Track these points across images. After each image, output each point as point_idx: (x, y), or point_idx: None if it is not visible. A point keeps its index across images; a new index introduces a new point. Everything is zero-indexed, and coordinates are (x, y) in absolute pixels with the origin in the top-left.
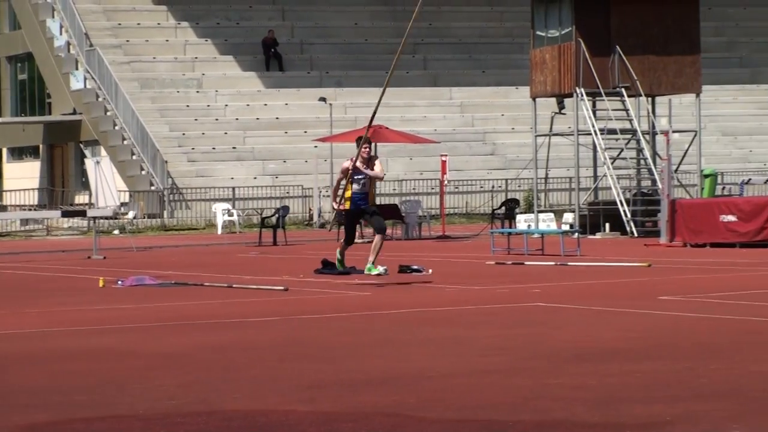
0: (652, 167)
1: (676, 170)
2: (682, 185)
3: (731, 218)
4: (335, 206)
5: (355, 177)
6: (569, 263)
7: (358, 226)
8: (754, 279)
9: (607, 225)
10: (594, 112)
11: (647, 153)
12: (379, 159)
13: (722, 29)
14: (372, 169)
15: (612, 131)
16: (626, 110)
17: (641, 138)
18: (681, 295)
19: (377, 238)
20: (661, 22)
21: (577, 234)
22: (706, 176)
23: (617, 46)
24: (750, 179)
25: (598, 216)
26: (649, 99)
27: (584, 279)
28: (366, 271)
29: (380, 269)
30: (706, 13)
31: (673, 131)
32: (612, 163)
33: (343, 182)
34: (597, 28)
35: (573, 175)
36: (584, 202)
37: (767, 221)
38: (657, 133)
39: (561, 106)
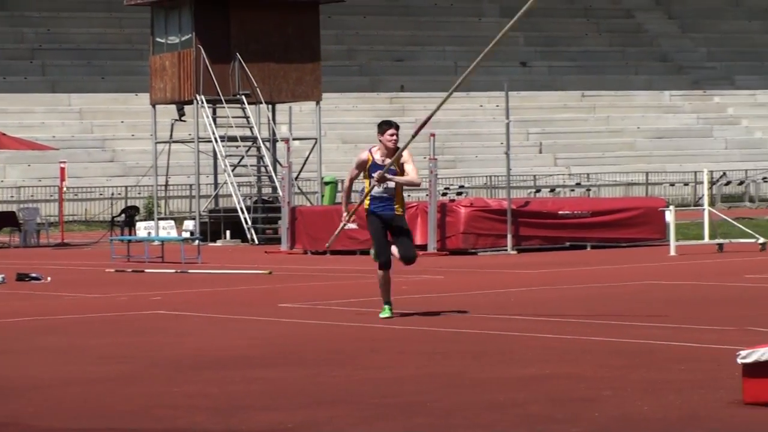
0: (273, 174)
1: (296, 178)
2: (303, 193)
3: (351, 225)
4: (344, 217)
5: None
6: (190, 271)
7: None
8: (373, 286)
9: (228, 232)
10: (215, 120)
11: (268, 160)
12: (410, 154)
13: (342, 37)
14: (402, 173)
15: (233, 138)
16: (247, 117)
17: (262, 145)
18: (302, 302)
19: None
20: (281, 29)
21: (197, 241)
22: (327, 184)
23: (237, 54)
24: None
25: (219, 223)
26: (270, 106)
27: (205, 287)
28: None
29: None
30: (327, 22)
31: (294, 139)
32: (233, 171)
33: (363, 182)
34: (217, 35)
35: (194, 182)
36: (205, 210)
37: None
38: (278, 141)
39: (181, 113)
